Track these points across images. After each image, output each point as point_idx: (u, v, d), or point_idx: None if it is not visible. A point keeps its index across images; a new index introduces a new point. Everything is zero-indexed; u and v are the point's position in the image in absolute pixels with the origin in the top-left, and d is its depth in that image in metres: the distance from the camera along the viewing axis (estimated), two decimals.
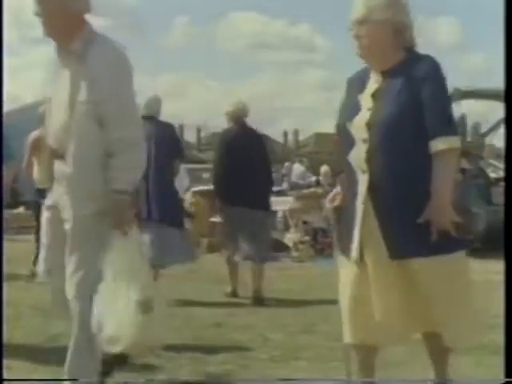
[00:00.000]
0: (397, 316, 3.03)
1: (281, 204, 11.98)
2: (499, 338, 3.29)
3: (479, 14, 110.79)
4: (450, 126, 2.95)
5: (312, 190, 12.86)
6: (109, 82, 3.12)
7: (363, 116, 2.97)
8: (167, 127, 6.86)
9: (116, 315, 3.01)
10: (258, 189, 6.83)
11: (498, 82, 3.76)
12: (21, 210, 14.10)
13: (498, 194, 10.47)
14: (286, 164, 19.00)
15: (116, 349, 3.04)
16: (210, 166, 10.28)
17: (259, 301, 6.52)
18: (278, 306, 6.39)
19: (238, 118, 6.97)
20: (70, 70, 3.19)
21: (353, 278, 3.07)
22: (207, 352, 4.51)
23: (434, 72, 2.95)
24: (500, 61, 3.14)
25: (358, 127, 2.97)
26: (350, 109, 3.05)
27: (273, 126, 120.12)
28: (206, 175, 13.95)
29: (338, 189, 3.26)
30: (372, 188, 2.96)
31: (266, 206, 6.98)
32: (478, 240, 11.66)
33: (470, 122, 16.04)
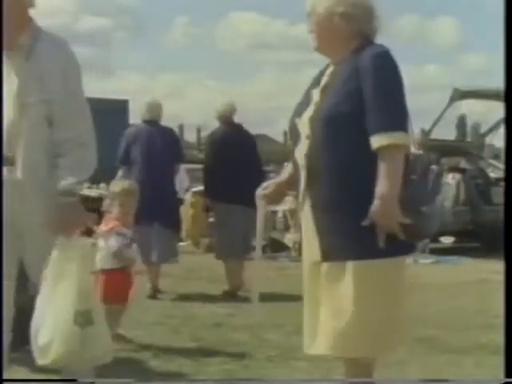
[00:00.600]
0: (328, 324, 2.79)
1: (281, 204, 11.97)
2: (499, 338, 3.29)
3: (479, 14, 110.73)
4: (395, 120, 2.71)
5: None
6: (57, 79, 2.96)
7: (309, 111, 2.83)
8: (168, 131, 7.08)
9: (51, 324, 2.78)
10: (252, 186, 6.74)
11: (498, 82, 3.75)
12: None
13: (498, 194, 10.49)
14: (286, 164, 19.00)
15: (44, 361, 2.83)
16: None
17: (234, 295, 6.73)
18: (277, 305, 6.38)
19: (226, 117, 7.07)
20: (16, 68, 2.97)
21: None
22: (207, 352, 4.51)
23: (379, 61, 2.72)
24: (500, 61, 3.11)
25: (303, 123, 2.82)
26: (302, 104, 2.91)
27: (273, 126, 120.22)
28: None
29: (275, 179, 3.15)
30: (309, 186, 2.79)
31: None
32: (479, 240, 11.76)
33: (469, 122, 16.08)
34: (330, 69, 2.89)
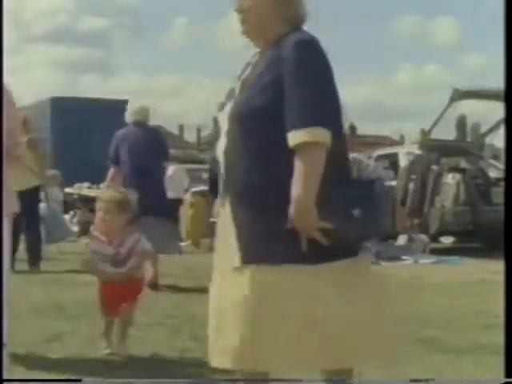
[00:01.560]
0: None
1: None
2: (499, 338, 3.29)
3: (479, 14, 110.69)
4: (313, 114, 2.41)
5: None
6: None
7: (229, 105, 2.59)
8: (154, 131, 7.63)
9: None
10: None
11: (498, 82, 3.75)
12: None
13: (498, 194, 10.50)
14: None
15: None
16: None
17: None
18: None
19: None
20: None
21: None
22: (207, 352, 4.50)
23: (301, 49, 2.45)
24: (500, 61, 3.10)
25: (223, 118, 2.59)
26: (226, 98, 2.67)
27: None
28: (205, 175, 13.96)
29: None
30: (226, 187, 2.56)
31: None
32: (479, 240, 11.77)
33: (469, 122, 16.09)
34: (255, 58, 2.64)
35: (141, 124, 7.33)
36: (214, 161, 2.65)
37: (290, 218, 2.38)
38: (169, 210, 7.54)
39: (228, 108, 2.58)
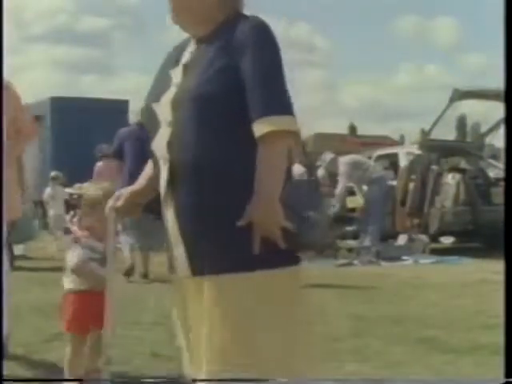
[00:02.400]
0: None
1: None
2: (499, 338, 3.29)
3: (479, 14, 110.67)
4: (277, 103, 2.23)
5: None
6: None
7: (170, 93, 2.35)
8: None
9: None
10: None
11: (498, 82, 3.75)
12: None
13: (498, 194, 10.50)
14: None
15: None
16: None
17: None
18: None
19: None
20: None
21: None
22: None
23: (256, 36, 2.28)
24: (500, 61, 3.10)
25: (164, 107, 2.35)
26: (159, 87, 2.43)
27: None
28: None
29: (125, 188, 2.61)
30: (172, 185, 2.31)
31: None
32: (479, 240, 11.77)
33: (470, 122, 16.10)
34: (192, 45, 2.44)
35: (142, 125, 7.58)
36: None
37: (250, 214, 2.15)
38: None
39: (168, 96, 2.34)
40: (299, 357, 2.30)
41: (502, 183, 9.84)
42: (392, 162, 13.12)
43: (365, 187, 10.92)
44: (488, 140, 12.95)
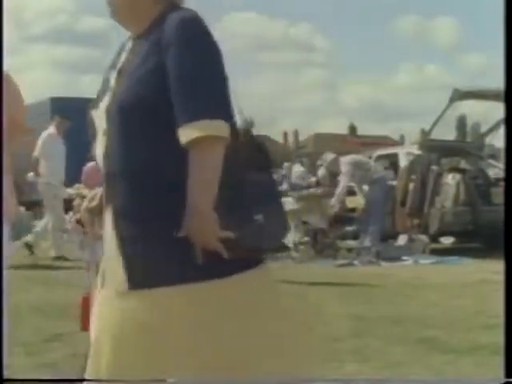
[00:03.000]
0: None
1: None
2: (499, 338, 3.29)
3: (479, 14, 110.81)
4: (208, 105, 2.04)
5: (312, 190, 12.86)
6: None
7: (106, 100, 2.19)
8: None
9: None
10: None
11: (498, 82, 3.75)
12: None
13: (498, 195, 10.50)
14: (286, 164, 19.02)
15: None
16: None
17: None
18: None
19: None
20: None
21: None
22: None
23: (182, 32, 2.07)
24: (500, 61, 3.10)
25: (100, 115, 2.19)
26: (99, 93, 2.26)
27: (273, 126, 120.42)
28: None
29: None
30: (109, 194, 2.17)
31: None
32: (479, 240, 11.77)
33: (470, 122, 16.11)
34: (129, 45, 2.26)
35: None
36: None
37: (185, 228, 1.99)
38: None
39: (104, 103, 2.18)
40: (256, 362, 2.10)
41: (502, 183, 9.83)
42: (392, 162, 13.13)
43: (365, 187, 10.93)
44: (488, 140, 12.96)
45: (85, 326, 3.62)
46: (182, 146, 2.02)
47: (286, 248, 11.18)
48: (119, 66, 2.22)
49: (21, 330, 4.86)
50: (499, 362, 3.03)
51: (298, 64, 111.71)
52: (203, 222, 1.98)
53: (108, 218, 2.17)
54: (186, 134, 2.01)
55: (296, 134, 59.06)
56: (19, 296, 6.09)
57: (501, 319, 3.02)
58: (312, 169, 16.92)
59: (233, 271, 2.06)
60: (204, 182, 2.00)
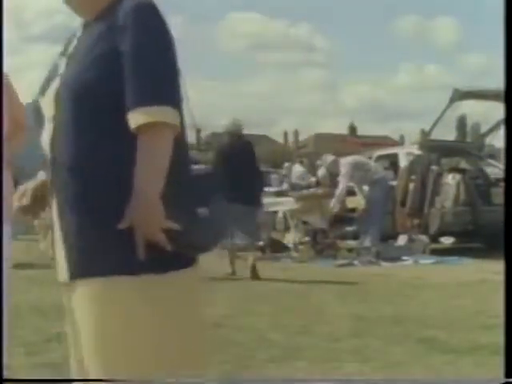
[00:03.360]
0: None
1: (281, 205, 11.99)
2: (499, 338, 3.29)
3: (479, 14, 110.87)
4: (159, 91, 1.99)
5: (312, 190, 12.87)
6: None
7: (53, 86, 2.12)
8: None
9: None
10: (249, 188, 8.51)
11: (498, 82, 3.75)
12: None
13: (498, 195, 10.50)
14: (286, 164, 19.03)
15: None
16: (209, 166, 10.81)
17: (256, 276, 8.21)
18: (278, 306, 6.39)
19: (231, 132, 8.82)
20: None
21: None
22: (207, 352, 4.50)
23: (137, 17, 2.02)
24: (500, 61, 3.09)
25: (47, 102, 2.12)
26: (47, 79, 2.19)
27: (273, 126, 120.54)
28: None
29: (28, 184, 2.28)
30: (55, 184, 2.11)
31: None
32: (479, 240, 11.77)
33: (470, 123, 16.11)
34: (80, 31, 2.21)
35: None
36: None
37: (129, 216, 1.92)
38: None
39: (52, 89, 2.11)
40: (186, 360, 2.08)
41: (502, 183, 9.83)
42: (392, 162, 13.13)
43: (365, 188, 10.94)
44: (488, 140, 12.95)
45: None
46: (132, 133, 1.95)
47: (286, 248, 11.21)
48: (70, 51, 2.16)
49: (21, 329, 4.86)
50: (499, 362, 3.03)
51: (297, 64, 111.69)
52: (148, 210, 1.91)
53: (54, 207, 2.10)
54: (136, 118, 1.95)
55: (296, 133, 58.97)
56: (19, 296, 6.09)
57: (501, 319, 3.02)
58: (312, 169, 16.94)
59: (168, 268, 2.00)
60: (151, 169, 1.93)
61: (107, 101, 2.01)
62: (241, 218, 8.08)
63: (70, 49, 2.17)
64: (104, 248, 1.99)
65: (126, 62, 1.99)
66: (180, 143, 2.03)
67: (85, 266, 2.02)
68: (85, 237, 2.02)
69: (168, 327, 2.02)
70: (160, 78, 2.00)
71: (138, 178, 1.93)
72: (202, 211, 2.01)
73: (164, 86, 2.00)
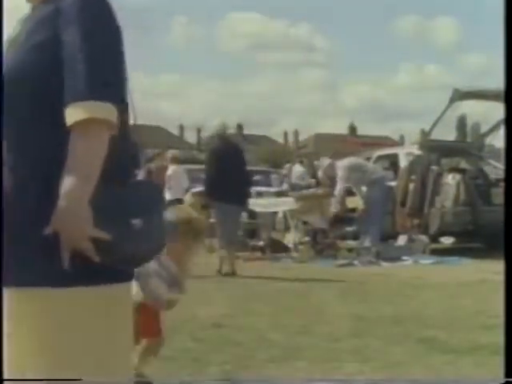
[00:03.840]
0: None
1: (281, 205, 11.99)
2: (499, 338, 3.29)
3: (479, 14, 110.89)
4: (98, 86, 1.79)
5: (312, 190, 12.87)
6: None
7: None
8: None
9: None
10: (241, 189, 8.86)
11: (498, 82, 3.75)
12: None
13: (498, 195, 10.50)
14: (287, 165, 19.05)
15: None
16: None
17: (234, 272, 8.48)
18: (278, 306, 6.39)
19: (221, 134, 9.16)
20: None
21: None
22: (207, 352, 4.51)
23: (82, 7, 1.84)
24: (500, 61, 3.09)
25: None
26: None
27: (273, 126, 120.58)
28: None
29: None
30: None
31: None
32: (479, 240, 11.77)
33: (470, 123, 16.09)
34: (26, 15, 2.04)
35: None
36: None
37: (54, 221, 1.74)
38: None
39: None
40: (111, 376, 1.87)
41: (502, 183, 9.83)
42: (392, 162, 13.13)
43: (364, 188, 10.94)
44: (488, 140, 12.95)
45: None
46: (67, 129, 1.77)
47: (286, 248, 11.21)
48: (12, 37, 1.99)
49: None
50: (499, 362, 3.04)
51: (298, 64, 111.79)
52: (73, 215, 1.73)
53: None
54: (70, 114, 1.77)
55: (296, 133, 58.97)
56: None
57: (501, 319, 3.02)
58: (312, 169, 16.96)
59: (100, 281, 1.82)
60: (80, 170, 1.74)
61: (40, 93, 1.83)
62: (226, 217, 8.58)
63: (13, 34, 1.99)
64: (34, 256, 1.80)
65: (66, 52, 1.82)
66: (120, 143, 1.84)
67: (16, 274, 1.83)
68: (14, 243, 1.82)
69: (93, 341, 1.84)
70: (101, 71, 1.82)
71: (65, 179, 1.75)
72: (137, 222, 1.80)
73: (106, 81, 1.82)
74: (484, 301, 6.24)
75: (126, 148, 1.90)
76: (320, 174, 12.93)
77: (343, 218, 11.49)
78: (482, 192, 11.36)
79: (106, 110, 1.78)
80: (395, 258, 10.34)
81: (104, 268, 1.79)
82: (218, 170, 8.78)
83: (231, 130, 10.06)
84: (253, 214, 12.33)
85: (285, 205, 11.85)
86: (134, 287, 3.51)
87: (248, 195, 9.41)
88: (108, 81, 1.82)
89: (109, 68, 1.84)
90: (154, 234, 1.86)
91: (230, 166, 8.74)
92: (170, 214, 3.85)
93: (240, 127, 60.78)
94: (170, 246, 3.50)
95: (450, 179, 11.29)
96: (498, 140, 12.37)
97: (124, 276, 1.89)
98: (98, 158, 1.76)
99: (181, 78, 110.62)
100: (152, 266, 3.51)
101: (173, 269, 3.61)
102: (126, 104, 1.92)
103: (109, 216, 1.77)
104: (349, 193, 11.16)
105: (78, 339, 1.82)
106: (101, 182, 1.76)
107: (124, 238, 1.78)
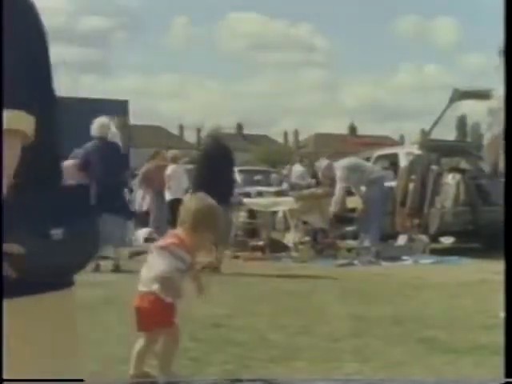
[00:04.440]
0: None
1: (281, 204, 11.99)
2: (499, 338, 3.29)
3: (479, 14, 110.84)
4: (8, 94, 1.59)
5: (312, 190, 12.87)
6: None
7: None
8: (112, 145, 9.38)
9: None
10: (228, 189, 9.24)
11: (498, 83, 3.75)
12: None
13: (498, 194, 10.50)
14: (287, 165, 19.05)
15: None
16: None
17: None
18: (278, 306, 6.39)
19: (212, 136, 9.62)
20: None
21: None
22: (207, 352, 4.51)
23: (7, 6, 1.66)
24: (500, 61, 3.08)
25: None
26: None
27: (273, 126, 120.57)
28: None
29: None
30: None
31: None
32: (479, 240, 11.76)
33: (470, 122, 16.11)
34: None
35: (103, 139, 9.18)
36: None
37: None
38: (121, 205, 9.34)
39: None
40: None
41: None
42: (392, 162, 13.13)
43: (363, 188, 10.94)
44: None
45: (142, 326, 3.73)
46: None
47: (286, 248, 11.21)
48: None
49: None
50: (499, 362, 3.03)
51: (298, 64, 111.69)
52: None
53: None
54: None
55: (296, 133, 59.00)
56: None
57: (501, 319, 3.03)
58: (312, 169, 16.95)
59: (35, 290, 1.70)
60: None
61: None
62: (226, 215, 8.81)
63: None
64: None
65: None
66: (41, 149, 1.68)
67: None
68: None
69: (36, 348, 1.73)
70: (15, 76, 1.62)
71: None
72: (57, 232, 1.67)
73: (18, 86, 1.63)
74: (484, 301, 6.23)
75: (45, 155, 1.73)
76: (320, 174, 12.93)
77: (343, 218, 11.49)
78: (482, 192, 11.36)
79: (15, 119, 1.60)
80: (395, 258, 10.35)
81: (35, 279, 1.67)
82: (206, 170, 9.10)
83: (231, 130, 10.14)
84: (253, 214, 12.34)
85: (285, 204, 11.85)
86: (148, 278, 3.71)
87: (231, 194, 9.66)
88: (18, 84, 1.63)
89: (22, 72, 1.65)
90: (79, 244, 1.72)
91: (217, 166, 9.02)
92: (186, 203, 4.04)
93: (240, 127, 60.81)
94: (185, 235, 3.71)
95: (450, 179, 11.29)
96: None
97: (61, 284, 1.77)
98: (7, 168, 1.58)
99: (181, 78, 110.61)
100: (167, 256, 3.67)
101: (187, 258, 3.72)
102: (49, 104, 1.75)
103: (25, 227, 1.64)
104: (349, 193, 11.16)
105: (22, 348, 1.72)
106: (16, 189, 1.61)
107: (40, 250, 1.65)
